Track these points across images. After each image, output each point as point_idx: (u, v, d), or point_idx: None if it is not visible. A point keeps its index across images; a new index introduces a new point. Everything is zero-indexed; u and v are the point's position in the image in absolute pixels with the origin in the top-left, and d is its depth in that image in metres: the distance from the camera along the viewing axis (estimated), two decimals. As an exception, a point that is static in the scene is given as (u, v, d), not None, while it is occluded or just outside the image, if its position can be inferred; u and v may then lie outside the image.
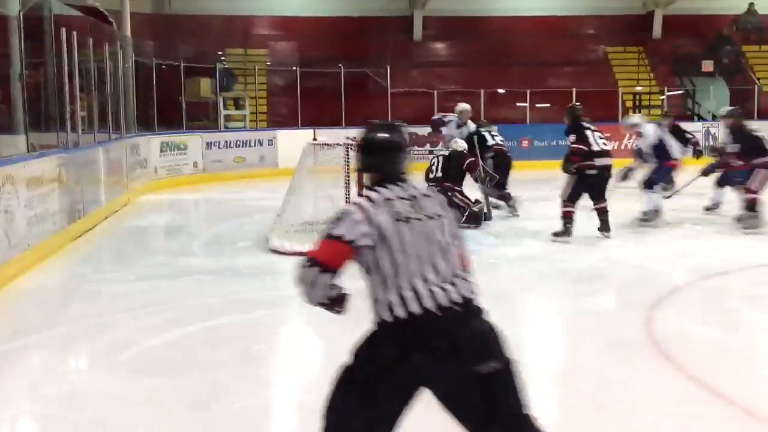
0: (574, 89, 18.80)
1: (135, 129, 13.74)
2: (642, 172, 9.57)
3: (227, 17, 20.53)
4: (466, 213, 9.08)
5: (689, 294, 6.29)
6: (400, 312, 2.52)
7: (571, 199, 8.40)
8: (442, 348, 2.49)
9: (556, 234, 8.37)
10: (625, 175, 9.59)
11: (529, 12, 22.15)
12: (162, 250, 8.83)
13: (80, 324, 5.61)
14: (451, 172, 9.36)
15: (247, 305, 5.95)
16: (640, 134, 9.59)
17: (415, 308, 2.51)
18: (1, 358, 4.83)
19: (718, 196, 10.15)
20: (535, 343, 5.32)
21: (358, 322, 2.74)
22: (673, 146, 9.69)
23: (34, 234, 7.31)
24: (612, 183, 8.63)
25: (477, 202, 9.40)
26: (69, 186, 8.56)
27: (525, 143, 17.68)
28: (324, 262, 2.55)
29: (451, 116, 11.01)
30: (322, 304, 2.66)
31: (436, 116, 11.67)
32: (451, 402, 2.57)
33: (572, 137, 8.40)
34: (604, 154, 8.37)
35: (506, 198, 10.26)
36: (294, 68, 18.59)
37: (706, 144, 16.42)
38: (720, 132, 15.01)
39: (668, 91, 20.03)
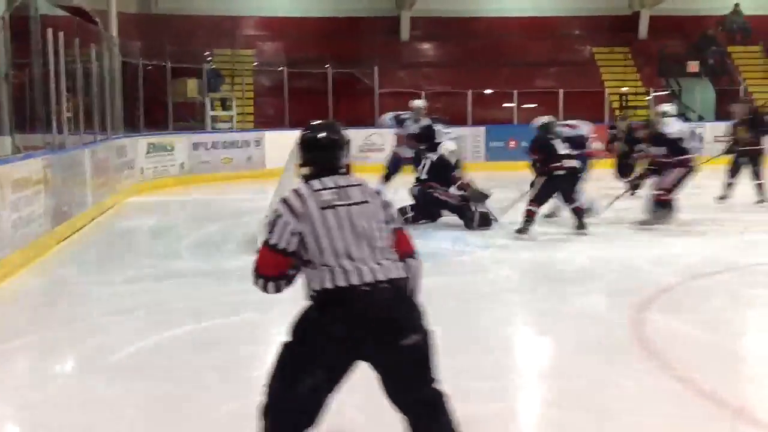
0: (560, 90, 18.89)
1: (122, 130, 13.66)
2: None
3: (214, 17, 20.44)
4: (477, 216, 9.09)
5: (677, 294, 6.31)
6: (328, 285, 2.72)
7: (537, 199, 8.58)
8: (370, 321, 2.70)
9: (518, 231, 8.50)
10: (636, 186, 9.93)
11: (516, 13, 22.19)
12: (149, 252, 8.78)
13: (67, 327, 5.57)
14: (439, 179, 9.39)
15: (235, 307, 5.92)
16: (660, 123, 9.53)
17: (342, 283, 2.71)
18: (-13, 361, 4.79)
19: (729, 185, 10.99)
20: (523, 344, 5.34)
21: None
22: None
23: (20, 236, 7.24)
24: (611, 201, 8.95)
25: (464, 198, 9.35)
26: (55, 187, 8.48)
27: (512, 144, 17.65)
28: (266, 274, 2.86)
29: (406, 114, 11.12)
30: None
31: (389, 115, 11.69)
32: (388, 375, 2.78)
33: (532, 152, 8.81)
34: (571, 156, 8.62)
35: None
36: (281, 69, 18.53)
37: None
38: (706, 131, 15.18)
39: (654, 91, 20.09)
